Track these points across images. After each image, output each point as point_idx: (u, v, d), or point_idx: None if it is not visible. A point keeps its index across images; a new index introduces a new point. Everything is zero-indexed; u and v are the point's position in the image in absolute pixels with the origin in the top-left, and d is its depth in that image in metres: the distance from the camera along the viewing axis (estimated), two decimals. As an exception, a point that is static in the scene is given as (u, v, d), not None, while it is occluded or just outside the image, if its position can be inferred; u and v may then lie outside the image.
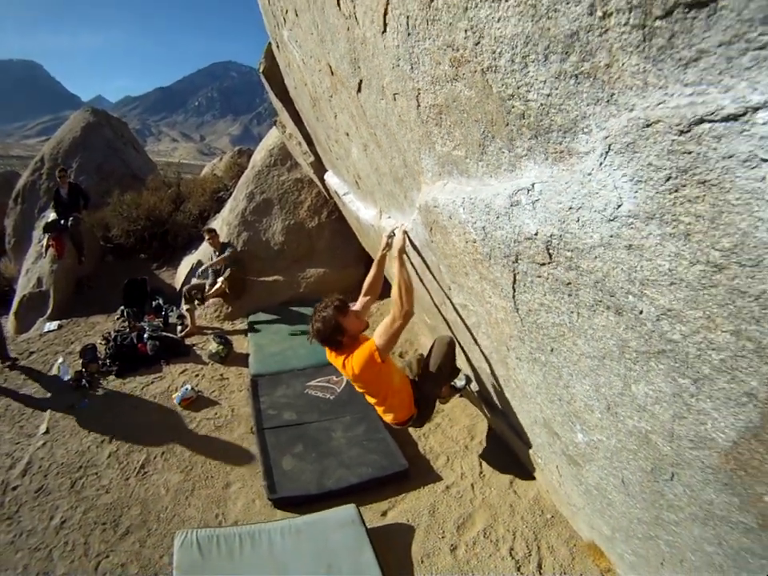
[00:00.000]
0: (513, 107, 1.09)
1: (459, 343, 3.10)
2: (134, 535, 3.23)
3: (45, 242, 7.48)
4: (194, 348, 5.58)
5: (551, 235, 1.17)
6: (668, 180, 0.80)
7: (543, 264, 1.30)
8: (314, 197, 6.55)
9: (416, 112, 1.59)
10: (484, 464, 3.54)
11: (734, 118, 0.68)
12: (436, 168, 1.79)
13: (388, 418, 2.91)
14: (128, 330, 5.82)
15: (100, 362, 5.25)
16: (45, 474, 3.84)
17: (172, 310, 6.39)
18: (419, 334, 5.22)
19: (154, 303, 6.62)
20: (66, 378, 5.08)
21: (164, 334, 5.56)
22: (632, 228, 0.91)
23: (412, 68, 1.42)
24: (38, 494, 3.65)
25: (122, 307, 6.54)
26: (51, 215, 7.58)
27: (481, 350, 2.68)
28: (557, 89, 0.94)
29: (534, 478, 3.27)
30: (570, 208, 1.05)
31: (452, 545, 2.96)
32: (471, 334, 2.68)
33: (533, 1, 0.87)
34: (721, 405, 1.05)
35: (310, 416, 4.08)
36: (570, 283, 1.24)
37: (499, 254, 1.53)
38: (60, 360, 5.45)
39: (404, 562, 2.88)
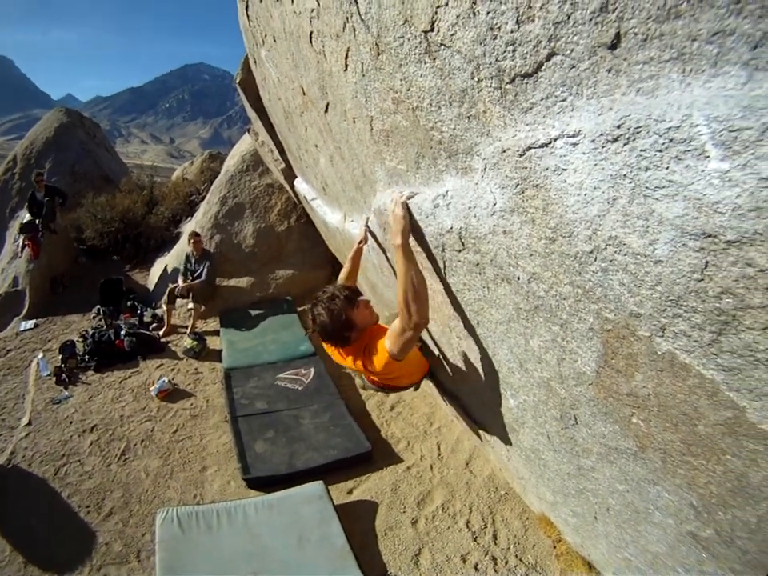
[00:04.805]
0: (433, 136, 1.55)
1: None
2: (117, 516, 3.47)
3: (21, 242, 7.64)
4: (170, 345, 5.82)
5: (461, 228, 1.64)
6: (517, 186, 1.27)
7: (460, 251, 1.77)
8: (284, 202, 6.90)
9: (370, 134, 2.05)
10: (442, 447, 3.88)
11: (545, 145, 1.14)
12: (386, 178, 2.24)
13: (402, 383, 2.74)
14: (105, 327, 6.03)
15: (79, 358, 5.43)
16: (29, 463, 4.01)
17: (146, 310, 6.62)
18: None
19: (129, 303, 6.84)
20: (46, 373, 5.24)
21: (140, 331, 5.80)
22: (504, 219, 1.39)
23: (366, 100, 1.88)
24: (22, 481, 3.81)
25: (98, 306, 6.76)
26: (27, 216, 7.70)
27: (432, 336, 2.99)
28: (458, 125, 1.42)
29: (488, 459, 3.60)
30: (470, 207, 1.52)
31: (413, 518, 3.26)
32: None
33: (440, 65, 1.34)
34: (580, 342, 1.41)
35: (280, 405, 4.42)
36: (478, 264, 1.71)
37: (431, 246, 1.99)
38: (40, 356, 5.59)
39: (369, 534, 3.17)
